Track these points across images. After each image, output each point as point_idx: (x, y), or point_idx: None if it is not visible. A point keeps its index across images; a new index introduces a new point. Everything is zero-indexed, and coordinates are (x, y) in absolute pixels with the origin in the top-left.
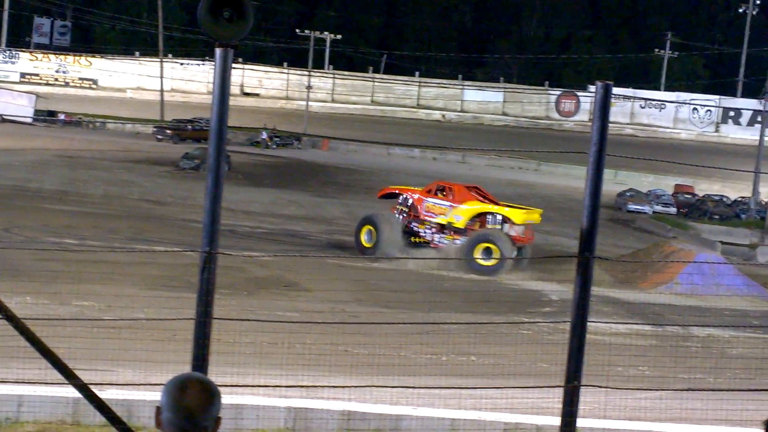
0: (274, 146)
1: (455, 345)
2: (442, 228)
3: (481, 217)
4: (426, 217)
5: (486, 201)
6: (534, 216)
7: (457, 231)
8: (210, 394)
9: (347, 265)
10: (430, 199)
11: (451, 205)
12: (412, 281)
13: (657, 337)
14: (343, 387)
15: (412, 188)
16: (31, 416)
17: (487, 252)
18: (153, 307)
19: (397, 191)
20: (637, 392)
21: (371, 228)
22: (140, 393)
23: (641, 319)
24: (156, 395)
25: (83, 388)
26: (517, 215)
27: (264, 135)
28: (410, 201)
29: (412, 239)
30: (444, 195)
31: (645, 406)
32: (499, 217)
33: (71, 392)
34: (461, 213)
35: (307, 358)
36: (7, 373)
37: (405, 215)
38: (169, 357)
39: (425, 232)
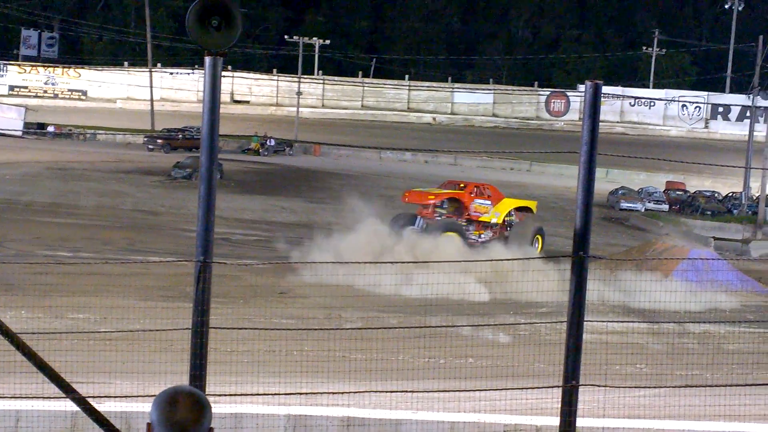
0: (266, 153)
1: (453, 348)
2: (479, 225)
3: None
4: (473, 217)
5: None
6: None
7: (492, 226)
8: (200, 406)
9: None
10: (477, 201)
11: (491, 204)
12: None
13: (653, 335)
14: (342, 393)
15: (430, 190)
16: (29, 431)
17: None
18: (149, 318)
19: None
20: (636, 390)
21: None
22: (138, 405)
23: (637, 317)
24: None
25: (81, 401)
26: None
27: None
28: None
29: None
30: (482, 195)
31: (644, 404)
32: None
33: (69, 406)
34: (498, 210)
35: (305, 365)
36: (4, 389)
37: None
38: (167, 368)
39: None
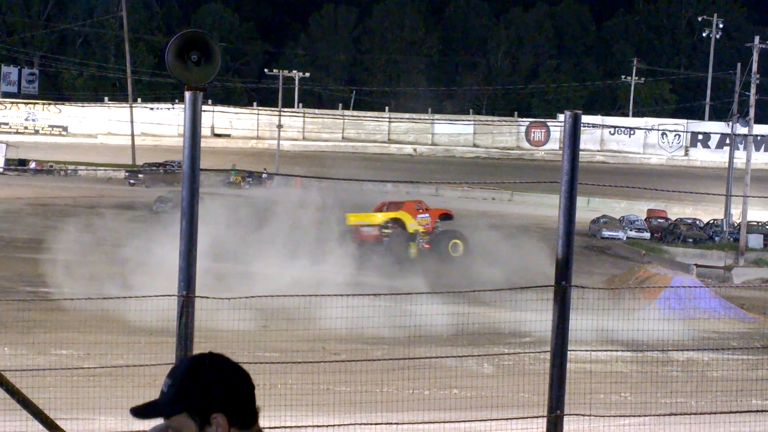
0: (247, 186)
1: (437, 379)
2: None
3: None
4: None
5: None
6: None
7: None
8: None
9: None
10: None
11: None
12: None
13: (637, 363)
14: (327, 426)
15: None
16: None
17: None
18: (132, 353)
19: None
20: (620, 418)
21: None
22: None
23: (621, 346)
24: None
25: None
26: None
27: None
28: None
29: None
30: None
31: None
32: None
33: None
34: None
35: (289, 399)
36: None
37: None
38: None
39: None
